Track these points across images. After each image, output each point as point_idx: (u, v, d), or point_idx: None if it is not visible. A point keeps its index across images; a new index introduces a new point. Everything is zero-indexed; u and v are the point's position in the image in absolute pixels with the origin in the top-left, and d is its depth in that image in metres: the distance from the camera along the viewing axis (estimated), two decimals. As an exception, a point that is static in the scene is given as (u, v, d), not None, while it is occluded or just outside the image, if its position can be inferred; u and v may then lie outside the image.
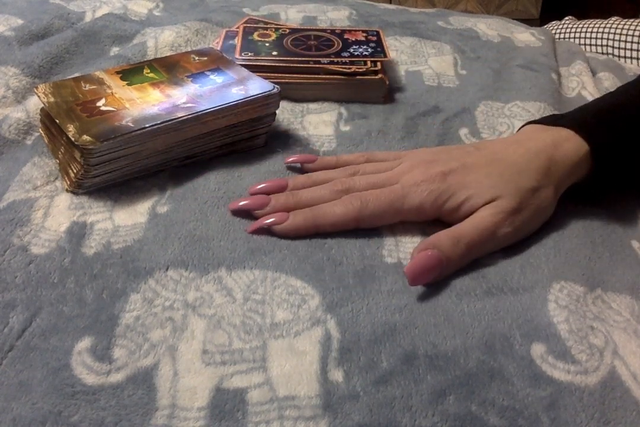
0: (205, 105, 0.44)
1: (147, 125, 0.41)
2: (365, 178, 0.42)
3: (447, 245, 0.37)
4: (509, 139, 0.46)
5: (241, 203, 0.41)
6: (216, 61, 0.51)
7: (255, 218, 0.40)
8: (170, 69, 0.50)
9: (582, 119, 0.44)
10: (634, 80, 0.50)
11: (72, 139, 0.40)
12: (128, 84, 0.47)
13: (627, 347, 0.33)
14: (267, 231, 0.39)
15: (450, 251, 0.37)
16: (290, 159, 0.46)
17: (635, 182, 0.45)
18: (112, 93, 0.46)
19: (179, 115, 0.42)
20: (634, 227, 0.43)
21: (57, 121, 0.42)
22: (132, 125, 0.41)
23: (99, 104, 0.44)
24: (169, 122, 0.42)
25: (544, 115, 0.54)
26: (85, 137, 0.40)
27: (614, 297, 0.37)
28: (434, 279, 0.37)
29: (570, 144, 0.42)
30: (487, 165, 0.41)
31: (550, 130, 0.44)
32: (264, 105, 0.47)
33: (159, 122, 0.42)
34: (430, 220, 0.41)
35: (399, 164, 0.43)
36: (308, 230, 0.40)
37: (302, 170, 0.46)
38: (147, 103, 0.44)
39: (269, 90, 0.46)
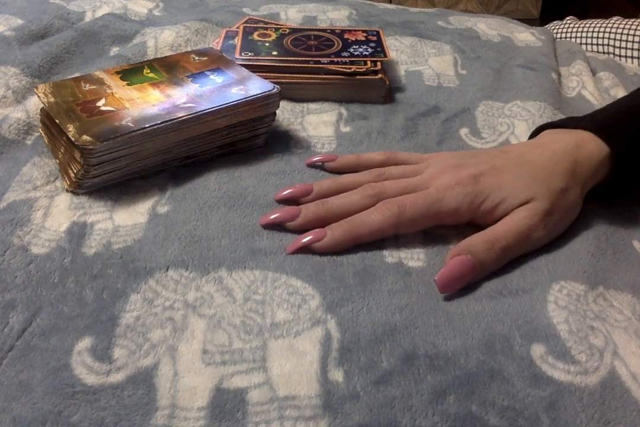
0: (205, 105, 0.44)
1: (147, 126, 0.41)
2: (396, 182, 0.41)
3: (481, 250, 0.37)
4: (531, 143, 0.46)
5: (272, 217, 0.40)
6: (216, 61, 0.51)
7: (287, 230, 0.39)
8: (170, 69, 0.50)
9: (601, 122, 0.44)
10: None
11: (72, 139, 0.40)
12: (128, 84, 0.47)
13: (627, 348, 0.33)
14: (306, 249, 0.38)
15: (485, 255, 0.36)
16: (314, 159, 0.46)
17: None
18: (112, 93, 0.46)
19: (179, 115, 0.42)
20: (636, 227, 0.43)
21: (57, 121, 0.42)
22: (132, 125, 0.41)
23: (99, 104, 0.44)
24: (169, 122, 0.42)
25: (545, 115, 0.54)
26: (85, 137, 0.40)
27: (616, 295, 0.37)
28: (464, 286, 0.36)
29: (592, 146, 0.42)
30: (517, 167, 0.41)
31: (571, 133, 0.44)
32: (264, 105, 0.47)
33: (159, 122, 0.42)
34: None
35: (425, 167, 0.43)
36: (347, 243, 0.38)
37: (301, 173, 0.46)
38: (147, 103, 0.44)
39: (269, 90, 0.46)
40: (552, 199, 0.39)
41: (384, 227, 0.39)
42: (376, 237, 0.39)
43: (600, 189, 0.44)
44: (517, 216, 0.39)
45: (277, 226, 0.40)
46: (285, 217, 0.40)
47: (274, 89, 0.47)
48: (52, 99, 0.44)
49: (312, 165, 0.47)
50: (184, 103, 0.44)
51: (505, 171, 0.41)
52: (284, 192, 0.42)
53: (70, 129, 0.41)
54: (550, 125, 0.46)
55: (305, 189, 0.42)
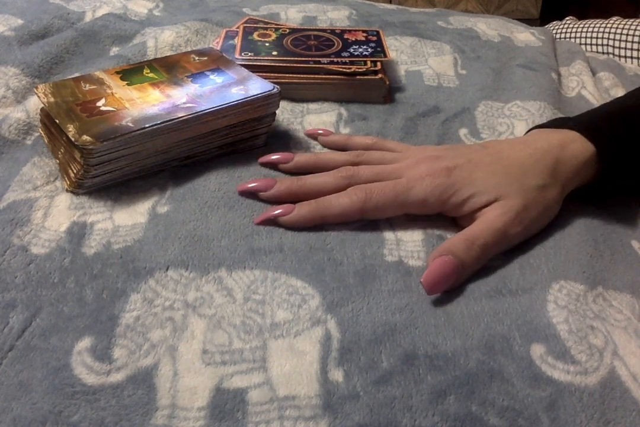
0: (205, 105, 0.44)
1: (147, 125, 0.41)
2: (370, 168, 0.43)
3: (461, 249, 0.37)
4: (515, 140, 0.46)
5: (249, 185, 0.42)
6: (216, 61, 0.51)
7: (286, 230, 0.40)
8: (170, 69, 0.50)
9: (589, 122, 0.44)
10: None
11: (72, 139, 0.40)
12: (128, 84, 0.47)
13: (627, 348, 0.33)
14: (272, 222, 0.40)
15: (465, 254, 0.37)
16: (310, 132, 0.50)
17: None
18: (112, 93, 0.46)
19: (179, 115, 0.42)
20: (634, 228, 0.43)
21: (57, 121, 0.42)
22: (132, 125, 0.41)
23: (99, 104, 0.44)
24: (169, 122, 0.42)
25: (545, 115, 0.54)
26: (85, 137, 0.40)
27: (615, 295, 0.37)
28: (451, 286, 0.36)
29: (576, 146, 0.42)
30: (493, 163, 0.42)
31: (557, 132, 0.44)
32: (264, 105, 0.47)
33: (159, 122, 0.42)
34: (433, 214, 0.41)
35: (405, 158, 0.44)
36: (313, 221, 0.40)
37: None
38: (147, 103, 0.44)
39: (269, 90, 0.46)
40: (527, 197, 0.40)
41: (349, 211, 0.40)
42: (342, 219, 0.41)
43: (587, 191, 0.44)
44: (492, 214, 0.39)
45: (251, 195, 0.43)
46: (261, 187, 0.42)
47: (274, 89, 0.47)
48: (52, 99, 0.44)
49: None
50: (184, 103, 0.44)
51: (480, 167, 0.41)
52: (270, 157, 0.46)
53: (71, 129, 0.41)
54: (540, 126, 0.46)
55: (287, 157, 0.45)
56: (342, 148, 0.49)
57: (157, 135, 0.42)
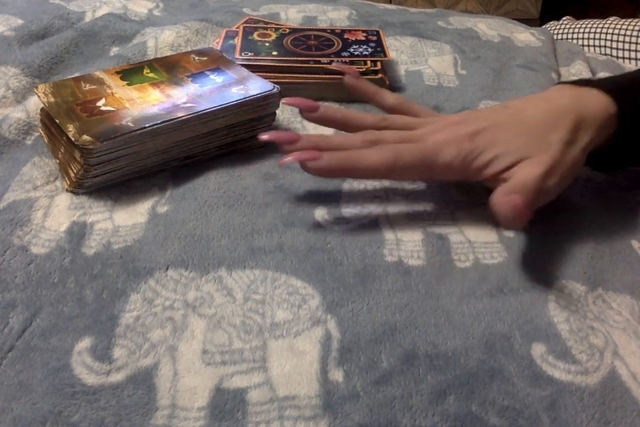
0: (205, 105, 0.44)
1: (147, 125, 0.41)
2: (396, 133, 0.42)
3: (522, 191, 0.37)
4: (536, 97, 0.45)
5: (274, 136, 0.41)
6: (216, 61, 0.51)
7: (286, 229, 0.40)
8: (170, 69, 0.50)
9: (611, 82, 0.45)
10: None
11: (72, 138, 0.40)
12: (128, 84, 0.47)
13: (627, 348, 0.33)
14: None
15: (527, 197, 0.36)
16: (342, 68, 0.48)
17: None
18: (112, 93, 0.46)
19: (179, 115, 0.42)
20: (635, 228, 0.43)
21: (57, 121, 0.42)
22: (132, 125, 0.41)
23: (99, 104, 0.44)
24: (169, 122, 0.42)
25: None
26: (85, 137, 0.40)
27: (615, 297, 0.37)
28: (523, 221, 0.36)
29: (598, 102, 0.42)
30: (516, 123, 0.41)
31: (579, 89, 0.44)
32: (264, 104, 0.47)
33: (158, 122, 0.42)
34: (435, 208, 0.41)
35: (429, 123, 0.43)
36: (341, 171, 0.39)
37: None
38: (147, 103, 0.44)
39: (269, 90, 0.46)
40: (553, 151, 0.39)
41: (378, 166, 0.39)
42: (369, 174, 0.40)
43: (601, 157, 0.43)
44: (525, 170, 0.39)
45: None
46: (285, 139, 0.40)
47: (274, 88, 0.47)
48: (52, 99, 0.44)
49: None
50: (184, 103, 0.44)
51: (503, 128, 0.41)
52: (296, 101, 0.43)
53: (70, 129, 0.41)
54: (563, 83, 0.46)
55: (315, 105, 0.43)
56: (370, 97, 0.47)
57: (157, 135, 0.42)
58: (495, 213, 0.36)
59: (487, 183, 0.41)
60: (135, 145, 0.41)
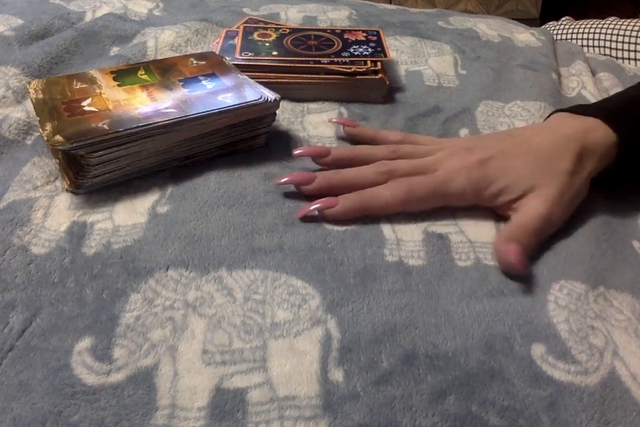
0: (185, 112, 0.43)
1: (120, 129, 0.40)
2: (407, 162, 0.43)
3: (521, 237, 0.38)
4: (539, 126, 0.47)
5: (289, 178, 0.42)
6: (214, 66, 0.51)
7: (286, 229, 0.40)
8: (165, 71, 0.49)
9: (610, 110, 0.46)
10: None
11: (45, 138, 0.39)
12: (119, 85, 0.47)
13: (627, 348, 0.33)
14: (311, 218, 0.40)
15: (527, 242, 0.38)
16: (335, 120, 0.51)
17: None
18: (100, 93, 0.45)
19: (156, 121, 0.41)
20: (636, 228, 0.43)
21: (38, 119, 0.42)
22: (106, 128, 0.40)
23: (84, 103, 0.44)
24: (144, 127, 0.41)
25: (545, 115, 0.54)
26: (57, 137, 0.39)
27: (616, 295, 0.37)
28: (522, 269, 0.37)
29: (599, 132, 0.43)
30: (524, 153, 0.43)
31: (579, 119, 0.45)
32: (250, 113, 0.45)
33: (133, 126, 0.41)
34: (438, 214, 0.42)
35: (436, 151, 0.44)
36: (358, 213, 0.41)
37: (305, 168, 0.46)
38: (130, 105, 0.43)
39: (255, 100, 0.45)
40: (560, 182, 0.41)
41: (393, 202, 0.41)
42: (386, 211, 0.41)
43: (601, 179, 0.44)
44: (534, 203, 0.40)
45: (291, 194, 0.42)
46: (301, 180, 0.42)
47: (260, 98, 0.45)
48: (40, 96, 0.44)
49: (297, 163, 0.47)
50: (166, 108, 0.43)
51: (512, 157, 0.42)
52: (306, 150, 0.45)
53: (47, 128, 0.40)
54: (560, 111, 0.47)
55: (323, 151, 0.45)
56: (369, 141, 0.49)
57: (133, 140, 0.41)
58: (496, 258, 0.39)
59: (498, 210, 0.42)
60: (136, 145, 0.41)
